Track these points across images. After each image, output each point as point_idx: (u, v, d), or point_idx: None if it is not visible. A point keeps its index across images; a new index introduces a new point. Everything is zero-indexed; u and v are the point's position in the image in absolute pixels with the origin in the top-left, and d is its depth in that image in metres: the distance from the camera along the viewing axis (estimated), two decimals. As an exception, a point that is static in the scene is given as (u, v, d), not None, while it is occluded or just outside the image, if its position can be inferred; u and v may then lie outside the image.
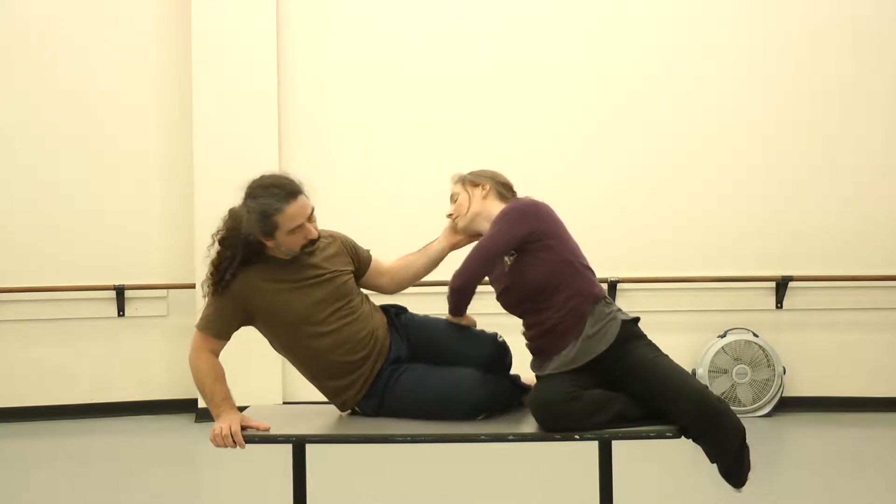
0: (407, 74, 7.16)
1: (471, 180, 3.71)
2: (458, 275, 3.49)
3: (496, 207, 3.59)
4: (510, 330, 3.70)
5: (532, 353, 3.56)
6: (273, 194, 3.46)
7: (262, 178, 3.53)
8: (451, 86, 7.15)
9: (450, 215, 3.74)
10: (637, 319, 3.54)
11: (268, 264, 3.55)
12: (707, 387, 3.41)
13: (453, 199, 3.73)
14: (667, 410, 3.31)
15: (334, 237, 3.70)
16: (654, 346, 3.48)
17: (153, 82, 7.18)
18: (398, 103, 7.15)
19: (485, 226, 3.58)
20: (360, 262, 3.72)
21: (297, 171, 7.17)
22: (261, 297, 3.54)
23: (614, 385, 3.40)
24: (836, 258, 7.01)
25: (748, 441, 3.38)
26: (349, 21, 7.18)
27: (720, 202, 7.09)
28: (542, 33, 7.15)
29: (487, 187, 3.67)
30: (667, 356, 3.45)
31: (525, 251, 3.46)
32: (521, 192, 6.67)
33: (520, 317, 3.58)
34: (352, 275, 3.66)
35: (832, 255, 7.02)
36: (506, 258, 3.52)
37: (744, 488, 3.40)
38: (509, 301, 3.56)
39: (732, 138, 7.09)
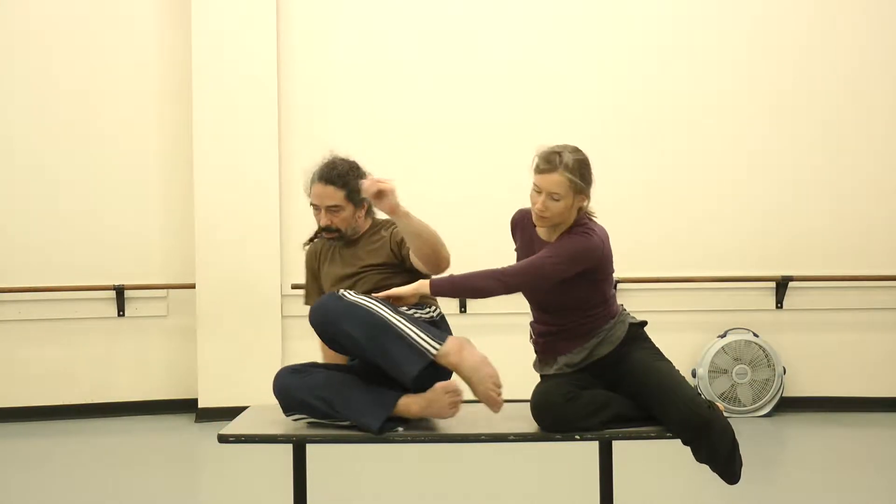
0: (407, 75, 7.16)
1: (580, 186, 3.38)
2: (504, 279, 3.30)
3: (571, 219, 3.46)
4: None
5: (537, 351, 3.55)
6: (318, 167, 3.76)
7: (339, 154, 3.81)
8: (451, 86, 7.14)
9: (540, 212, 3.37)
10: (644, 323, 3.55)
11: (337, 243, 3.77)
12: (698, 394, 3.41)
13: (553, 196, 3.36)
14: (657, 417, 3.32)
15: (386, 234, 3.76)
16: (655, 350, 3.49)
17: (153, 82, 7.17)
18: (398, 103, 7.14)
19: (550, 231, 3.46)
20: (402, 256, 3.70)
21: (296, 172, 7.18)
22: (321, 271, 3.82)
23: (611, 386, 3.40)
24: (836, 258, 7.01)
25: (742, 439, 3.41)
26: (349, 21, 7.17)
27: (720, 202, 7.09)
28: (543, 33, 7.15)
29: (586, 203, 3.46)
30: (666, 361, 3.45)
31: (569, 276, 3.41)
32: (524, 193, 6.65)
33: (534, 306, 3.56)
34: (390, 270, 3.67)
35: (832, 255, 7.02)
36: None
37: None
38: (532, 296, 3.54)
39: (732, 138, 7.09)
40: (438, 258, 3.45)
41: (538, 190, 3.38)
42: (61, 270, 7.02)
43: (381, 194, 3.33)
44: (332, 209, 3.69)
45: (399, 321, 3.29)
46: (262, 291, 6.95)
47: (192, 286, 7.01)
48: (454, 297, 3.46)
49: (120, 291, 7.06)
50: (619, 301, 3.66)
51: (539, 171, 3.38)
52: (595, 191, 7.45)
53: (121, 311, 7.09)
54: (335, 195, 3.68)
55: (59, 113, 7.06)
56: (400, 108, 7.14)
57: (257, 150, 7.00)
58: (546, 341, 3.51)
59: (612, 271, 3.53)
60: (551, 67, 7.13)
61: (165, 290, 7.17)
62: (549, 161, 3.36)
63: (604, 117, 7.12)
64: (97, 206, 7.09)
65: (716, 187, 7.09)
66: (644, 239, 7.05)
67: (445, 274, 3.41)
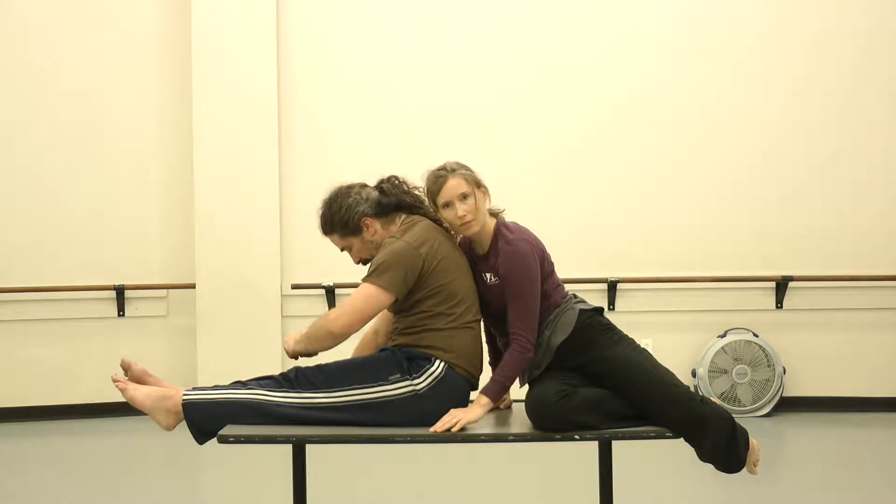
0: (407, 74, 7.16)
1: (475, 180, 3.48)
2: (530, 344, 3.35)
3: (488, 218, 3.51)
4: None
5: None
6: None
7: (329, 190, 3.69)
8: (450, 85, 7.15)
9: (462, 217, 3.42)
10: (600, 310, 3.54)
11: None
12: (689, 389, 3.42)
13: (462, 196, 3.44)
14: (652, 416, 3.33)
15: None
16: (626, 340, 3.47)
17: (153, 82, 7.18)
18: (398, 103, 7.15)
19: (481, 235, 3.48)
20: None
21: (296, 172, 7.16)
22: None
23: (599, 385, 3.40)
24: (836, 258, 7.01)
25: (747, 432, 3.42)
26: (349, 21, 7.18)
27: (720, 202, 7.09)
28: (543, 33, 7.15)
29: (488, 192, 3.52)
30: (645, 353, 3.44)
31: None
32: (525, 191, 6.66)
33: (490, 326, 3.61)
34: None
35: (832, 255, 7.02)
36: (490, 277, 3.49)
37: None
38: (485, 314, 3.60)
39: (732, 138, 7.09)
40: (332, 341, 3.45)
41: (448, 203, 3.46)
42: (61, 270, 7.02)
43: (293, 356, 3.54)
44: (345, 251, 3.67)
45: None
46: (262, 291, 6.95)
47: (192, 286, 7.01)
48: (511, 385, 3.47)
49: (120, 291, 7.06)
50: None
51: (436, 190, 3.48)
52: (596, 191, 7.43)
53: (121, 311, 7.09)
54: (334, 241, 3.66)
55: (59, 113, 7.07)
56: (399, 109, 7.15)
57: (257, 150, 7.00)
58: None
59: (550, 267, 3.52)
60: (551, 67, 7.13)
61: (165, 290, 7.17)
62: (439, 175, 3.50)
63: (604, 117, 7.12)
64: (97, 206, 7.10)
65: (716, 187, 7.09)
66: (644, 239, 7.05)
67: (492, 382, 3.39)
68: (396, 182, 3.69)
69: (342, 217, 3.58)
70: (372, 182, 3.71)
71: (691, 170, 7.10)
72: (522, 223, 3.61)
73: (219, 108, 6.98)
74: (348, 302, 3.44)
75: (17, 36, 7.06)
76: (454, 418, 3.31)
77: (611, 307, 6.90)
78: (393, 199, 3.62)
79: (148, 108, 7.17)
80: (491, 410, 3.61)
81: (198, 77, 6.98)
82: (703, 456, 3.39)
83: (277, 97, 7.05)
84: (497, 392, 3.38)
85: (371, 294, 3.42)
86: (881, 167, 7.05)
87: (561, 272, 3.63)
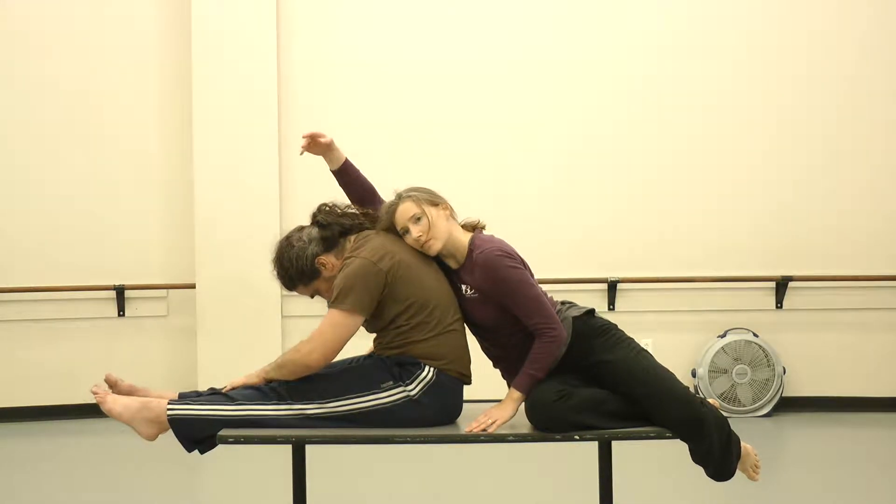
0: (407, 74, 7.16)
1: (427, 199, 3.45)
2: (556, 332, 3.33)
3: (459, 232, 3.50)
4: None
5: (502, 375, 3.58)
6: None
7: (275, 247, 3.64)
8: (450, 86, 7.14)
9: (418, 238, 3.41)
10: (592, 311, 3.53)
11: None
12: (689, 390, 3.43)
13: (413, 219, 3.42)
14: (652, 416, 3.33)
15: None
16: (625, 341, 3.47)
17: (153, 82, 7.18)
18: (398, 104, 7.15)
19: (450, 250, 3.48)
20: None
21: (296, 172, 7.18)
22: None
23: (600, 386, 3.40)
24: (836, 258, 7.01)
25: (742, 439, 3.44)
26: (349, 21, 7.18)
27: (720, 202, 7.09)
28: (543, 33, 7.15)
29: (448, 208, 3.50)
30: (644, 353, 3.45)
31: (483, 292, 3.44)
32: (525, 192, 6.69)
33: (477, 338, 3.59)
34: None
35: (832, 255, 7.02)
36: (467, 290, 3.48)
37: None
38: (469, 327, 3.59)
39: (732, 138, 7.10)
40: (309, 373, 3.42)
41: (404, 230, 3.45)
42: (61, 270, 7.02)
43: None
44: (316, 296, 3.62)
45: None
46: (262, 291, 6.94)
47: (192, 286, 7.01)
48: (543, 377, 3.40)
49: (120, 291, 7.06)
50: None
51: (392, 218, 3.46)
52: (596, 191, 7.43)
53: (121, 311, 7.09)
54: (301, 292, 3.60)
55: (59, 113, 7.07)
56: (399, 109, 7.15)
57: (257, 150, 7.00)
58: (504, 367, 3.56)
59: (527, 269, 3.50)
60: (551, 67, 7.13)
61: (165, 290, 7.17)
62: (391, 205, 3.49)
63: (603, 117, 7.12)
64: (97, 206, 7.10)
65: (716, 187, 7.10)
66: (644, 239, 7.05)
67: (522, 375, 3.37)
68: (328, 209, 3.60)
69: (297, 268, 3.52)
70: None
71: (691, 170, 7.10)
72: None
73: (219, 108, 6.98)
74: (318, 333, 3.39)
75: (17, 36, 7.06)
76: (490, 418, 3.32)
77: (611, 307, 6.90)
78: (335, 228, 3.54)
79: (148, 108, 7.17)
80: None
81: (198, 77, 6.98)
82: (697, 458, 3.42)
83: (277, 97, 7.05)
84: (528, 386, 3.35)
85: (338, 321, 3.38)
86: (881, 167, 7.05)
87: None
